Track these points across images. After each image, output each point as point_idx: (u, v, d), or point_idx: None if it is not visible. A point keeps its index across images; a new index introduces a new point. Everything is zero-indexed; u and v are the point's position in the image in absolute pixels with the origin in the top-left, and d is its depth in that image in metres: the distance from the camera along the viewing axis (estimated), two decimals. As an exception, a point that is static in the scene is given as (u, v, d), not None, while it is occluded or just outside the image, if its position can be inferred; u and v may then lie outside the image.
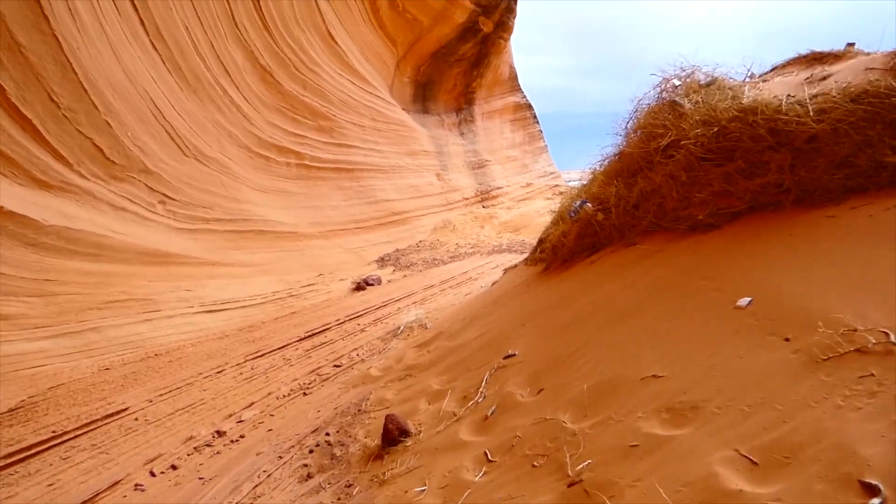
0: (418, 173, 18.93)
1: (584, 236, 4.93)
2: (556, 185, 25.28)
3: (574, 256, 5.16)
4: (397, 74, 19.63)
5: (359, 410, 4.54)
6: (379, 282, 11.83)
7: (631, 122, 4.50)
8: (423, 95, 21.55)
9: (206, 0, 8.77)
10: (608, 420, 2.10)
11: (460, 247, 16.38)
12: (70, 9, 5.69)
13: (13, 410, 4.68)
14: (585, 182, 6.06)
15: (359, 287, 11.37)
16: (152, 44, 7.71)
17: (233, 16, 9.56)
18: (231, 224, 10.18)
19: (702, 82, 3.87)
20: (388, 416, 3.36)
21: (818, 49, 4.47)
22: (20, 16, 5.11)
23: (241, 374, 6.46)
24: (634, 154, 4.05)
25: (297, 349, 7.44)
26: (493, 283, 8.68)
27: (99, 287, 6.55)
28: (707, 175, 3.26)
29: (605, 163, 5.07)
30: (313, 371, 6.64)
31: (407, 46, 18.84)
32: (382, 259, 14.60)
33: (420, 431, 3.29)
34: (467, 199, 21.31)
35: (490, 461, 2.41)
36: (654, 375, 2.17)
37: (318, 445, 4.11)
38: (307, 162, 13.25)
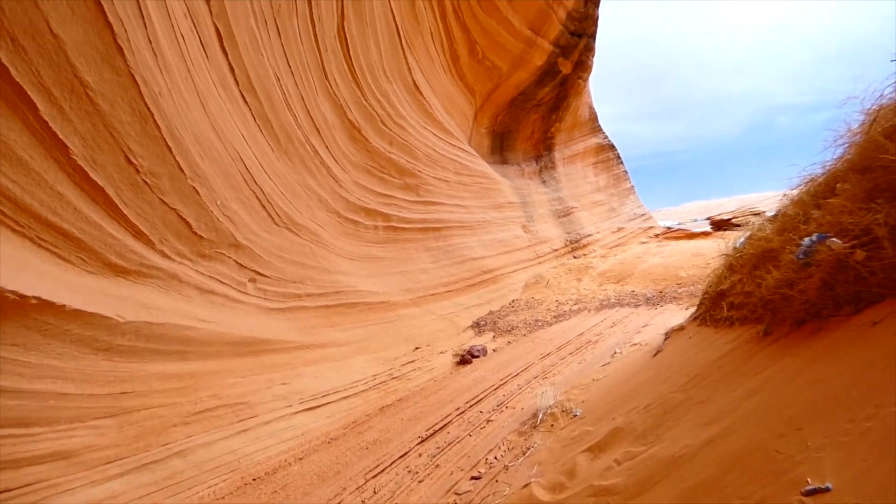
0: (504, 227, 17.57)
1: (835, 285, 3.31)
2: (650, 228, 23.11)
3: (818, 314, 3.46)
4: (475, 126, 18.70)
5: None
6: (484, 352, 10.38)
7: (866, 127, 3.35)
8: (500, 146, 20.51)
9: (297, 49, 7.81)
10: None
11: (561, 304, 14.68)
12: (151, 41, 4.47)
13: None
14: (786, 210, 4.56)
15: (463, 360, 9.96)
16: (242, 95, 6.66)
17: (323, 66, 8.60)
18: (323, 298, 8.95)
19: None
20: None
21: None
22: (86, 46, 3.83)
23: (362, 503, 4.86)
24: (893, 167, 2.93)
25: (420, 455, 5.86)
26: (656, 352, 6.88)
27: (185, 393, 5.21)
28: None
29: (820, 183, 3.90)
30: (450, 490, 5.00)
31: (485, 96, 17.92)
32: (478, 324, 13.16)
33: None
34: (556, 250, 19.69)
35: None
36: None
37: None
38: (394, 223, 12.10)
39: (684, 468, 2.86)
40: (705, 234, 21.19)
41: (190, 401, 5.24)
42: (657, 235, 22.26)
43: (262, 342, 6.86)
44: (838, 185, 3.59)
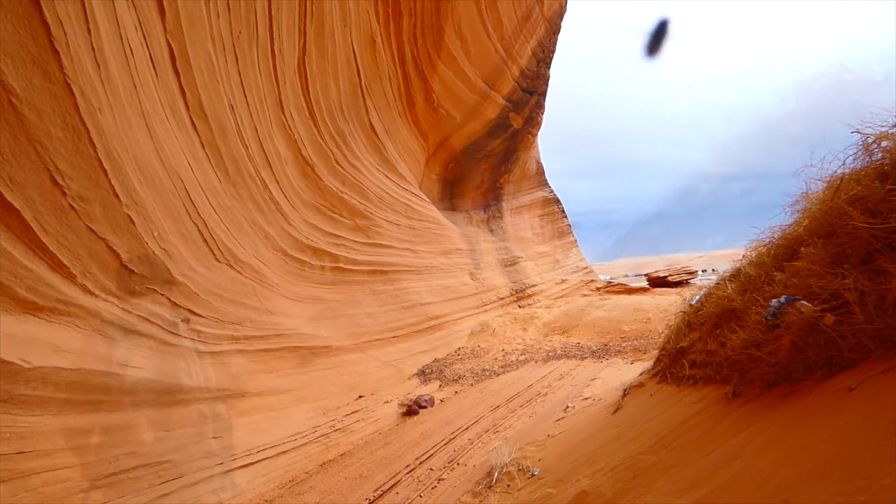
0: (452, 273, 17.43)
1: (805, 349, 3.26)
2: (592, 281, 23.68)
3: (789, 377, 3.41)
4: (426, 172, 18.77)
5: None
6: (431, 403, 9.98)
7: (829, 194, 3.38)
8: (450, 193, 20.66)
9: (254, 78, 7.46)
10: None
11: (508, 353, 14.55)
12: (94, 48, 4.01)
13: None
14: (747, 270, 4.57)
15: (410, 411, 9.52)
16: (192, 121, 6.17)
17: (280, 99, 8.27)
18: (262, 341, 8.32)
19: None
20: None
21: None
22: (14, 45, 3.30)
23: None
24: (858, 233, 2.92)
25: (368, 523, 5.34)
26: (615, 409, 6.73)
27: (98, 452, 4.49)
28: None
29: (780, 245, 3.87)
30: (403, 568, 4.50)
31: (438, 143, 18.09)
32: (423, 372, 12.77)
33: None
34: (502, 298, 19.70)
35: None
36: None
37: None
38: (342, 265, 11.66)
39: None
40: (644, 289, 21.90)
41: (103, 460, 4.51)
42: (598, 289, 22.79)
43: (191, 390, 6.17)
44: (802, 249, 3.59)
